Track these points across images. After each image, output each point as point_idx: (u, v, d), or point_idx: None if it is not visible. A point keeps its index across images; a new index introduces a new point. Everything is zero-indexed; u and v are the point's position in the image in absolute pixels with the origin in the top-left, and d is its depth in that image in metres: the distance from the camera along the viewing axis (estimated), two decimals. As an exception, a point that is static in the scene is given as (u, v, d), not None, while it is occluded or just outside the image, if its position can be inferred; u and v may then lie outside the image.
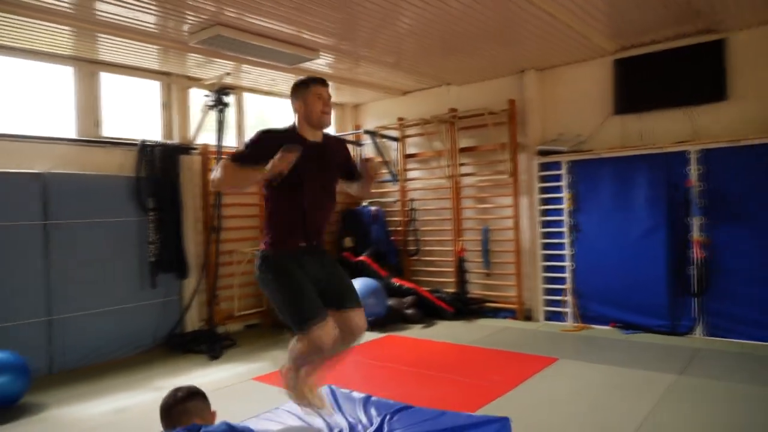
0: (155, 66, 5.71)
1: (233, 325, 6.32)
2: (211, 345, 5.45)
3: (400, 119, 7.35)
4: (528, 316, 6.42)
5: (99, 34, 4.70)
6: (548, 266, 6.33)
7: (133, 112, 5.87)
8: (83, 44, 4.97)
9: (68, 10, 4.24)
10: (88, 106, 5.40)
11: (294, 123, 2.97)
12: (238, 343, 5.78)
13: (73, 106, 5.31)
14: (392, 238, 7.42)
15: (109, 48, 5.08)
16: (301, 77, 3.01)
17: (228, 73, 5.67)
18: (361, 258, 6.98)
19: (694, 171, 5.40)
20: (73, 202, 5.04)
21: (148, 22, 4.54)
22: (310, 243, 2.94)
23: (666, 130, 5.69)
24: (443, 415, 3.45)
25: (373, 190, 3.50)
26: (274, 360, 5.02)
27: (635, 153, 5.71)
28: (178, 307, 5.83)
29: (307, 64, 5.73)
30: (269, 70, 5.96)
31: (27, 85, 5.13)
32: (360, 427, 3.36)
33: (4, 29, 4.47)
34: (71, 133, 5.28)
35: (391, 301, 6.53)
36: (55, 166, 5.00)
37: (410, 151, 7.41)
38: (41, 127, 5.12)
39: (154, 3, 4.15)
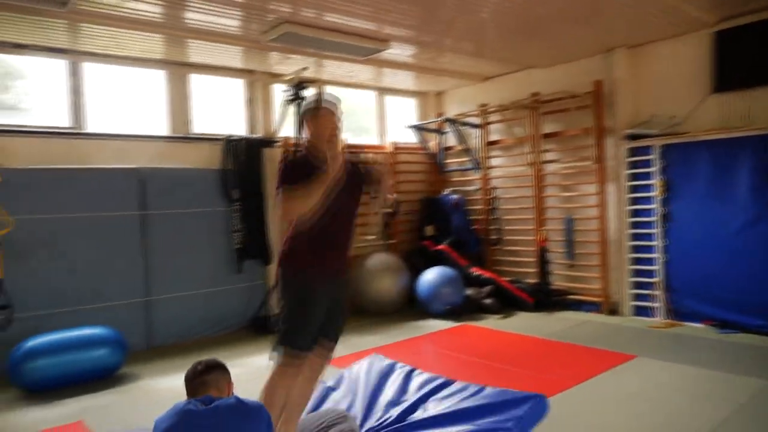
0: (239, 65, 6.05)
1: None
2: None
3: (482, 105, 7.20)
4: (614, 310, 6.08)
5: (187, 40, 5.08)
6: (637, 258, 5.94)
7: (221, 109, 6.26)
8: (173, 49, 5.38)
9: (159, 20, 4.62)
10: (179, 105, 5.84)
11: (307, 145, 2.91)
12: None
13: (166, 105, 5.77)
14: (474, 227, 7.32)
15: (197, 50, 5.46)
16: (312, 103, 2.90)
17: (305, 68, 5.87)
18: (441, 247, 6.96)
19: (805, 154, 4.82)
20: (165, 194, 5.50)
21: (231, 25, 4.83)
22: (338, 266, 2.93)
23: (772, 108, 5.11)
24: (482, 390, 3.57)
25: (389, 196, 3.29)
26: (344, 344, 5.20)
27: (736, 135, 5.18)
28: (263, 291, 6.18)
29: (388, 55, 5.81)
30: (346, 63, 6.10)
31: (124, 89, 5.65)
32: (403, 397, 3.59)
33: (103, 39, 4.95)
34: (164, 131, 5.75)
35: (469, 291, 6.47)
36: (149, 161, 5.49)
37: (492, 138, 7.24)
38: (137, 126, 5.62)
39: (236, 7, 4.42)
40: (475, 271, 6.74)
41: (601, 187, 6.12)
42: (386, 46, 5.44)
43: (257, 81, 6.27)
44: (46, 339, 4.31)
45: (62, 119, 5.26)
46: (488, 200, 7.19)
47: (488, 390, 3.57)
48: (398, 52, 5.81)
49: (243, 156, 6.01)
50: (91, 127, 5.36)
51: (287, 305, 2.84)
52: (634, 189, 5.93)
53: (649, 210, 5.79)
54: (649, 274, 5.79)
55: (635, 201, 5.93)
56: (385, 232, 6.80)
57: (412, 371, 4.01)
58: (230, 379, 2.24)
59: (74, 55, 5.22)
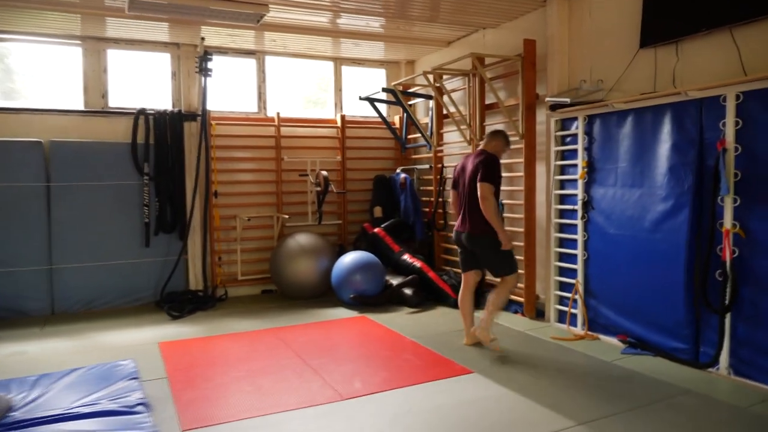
0: (165, 38, 6.01)
1: (244, 289, 6.45)
2: (193, 305, 5.70)
3: (429, 73, 6.23)
4: (541, 313, 5.13)
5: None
6: (562, 253, 4.93)
7: (149, 84, 6.27)
8: (90, 26, 5.48)
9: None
10: (95, 79, 5.95)
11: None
12: (228, 307, 5.89)
13: (80, 80, 5.91)
14: (426, 209, 6.61)
15: (113, 26, 5.51)
16: (508, 138, 4.37)
17: (203, 38, 5.66)
18: (375, 230, 6.40)
19: (730, 126, 3.56)
20: (74, 167, 5.66)
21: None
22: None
23: (707, 66, 3.85)
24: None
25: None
26: (209, 326, 5.05)
27: (656, 103, 4.01)
28: (183, 266, 6.17)
29: (344, 25, 5.71)
30: (304, 35, 5.94)
31: (42, 64, 5.87)
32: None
33: (21, 18, 5.17)
34: (79, 105, 5.90)
35: (394, 280, 5.89)
36: (58, 135, 5.68)
37: (448, 110, 6.43)
38: (49, 101, 5.82)
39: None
40: (409, 259, 6.09)
41: (529, 168, 5.15)
42: (266, 10, 5.01)
43: (181, 54, 6.19)
44: None
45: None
46: (438, 180, 6.44)
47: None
48: (347, 21, 5.57)
49: (162, 129, 5.99)
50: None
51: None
52: (563, 170, 4.91)
53: (574, 196, 4.75)
54: (573, 273, 4.78)
55: (563, 184, 4.91)
56: (319, 212, 6.39)
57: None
58: None
59: (-10, 34, 5.55)
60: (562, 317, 4.91)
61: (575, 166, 4.73)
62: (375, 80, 7.29)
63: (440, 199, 6.32)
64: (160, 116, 5.99)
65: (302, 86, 7.00)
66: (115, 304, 5.86)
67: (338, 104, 7.06)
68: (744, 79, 3.42)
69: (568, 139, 4.83)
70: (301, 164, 6.58)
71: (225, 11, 4.89)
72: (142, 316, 5.54)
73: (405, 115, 6.81)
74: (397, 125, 7.12)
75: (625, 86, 4.41)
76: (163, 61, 6.24)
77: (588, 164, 4.58)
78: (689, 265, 3.81)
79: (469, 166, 4.24)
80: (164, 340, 4.69)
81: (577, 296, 4.70)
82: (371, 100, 6.61)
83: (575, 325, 4.74)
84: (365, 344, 4.50)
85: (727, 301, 3.58)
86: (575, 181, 4.72)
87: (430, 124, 6.53)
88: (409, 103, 6.89)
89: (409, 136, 7.00)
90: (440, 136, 6.44)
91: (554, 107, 4.74)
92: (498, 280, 4.36)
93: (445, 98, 6.26)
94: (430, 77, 5.71)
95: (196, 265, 6.17)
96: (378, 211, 6.73)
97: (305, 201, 6.62)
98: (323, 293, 6.13)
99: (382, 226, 6.43)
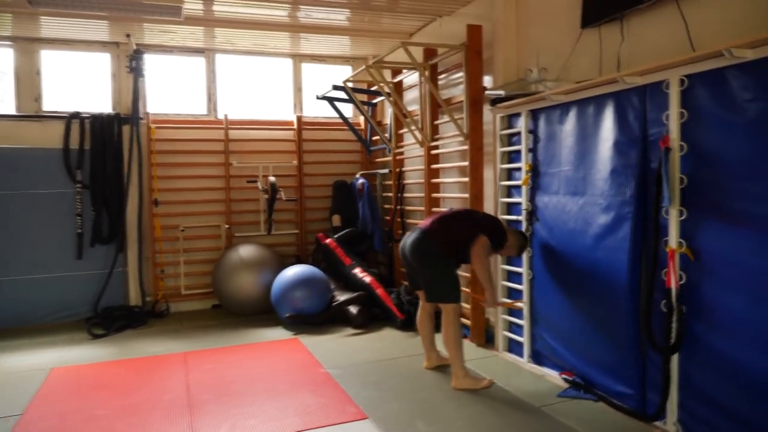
0: (106, 38, 5.65)
1: (191, 304, 6.01)
2: (123, 322, 5.31)
3: (371, 67, 5.09)
4: (491, 339, 4.45)
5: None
6: (510, 271, 4.24)
7: (89, 86, 5.92)
8: (22, 25, 5.16)
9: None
10: (28, 82, 5.62)
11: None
12: (163, 324, 5.46)
13: (12, 83, 5.60)
14: (387, 217, 6.00)
15: (47, 25, 5.18)
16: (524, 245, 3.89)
17: (128, 35, 5.24)
18: (327, 241, 5.83)
19: (674, 119, 2.83)
20: (1, 174, 5.34)
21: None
22: None
23: (655, 46, 3.12)
24: None
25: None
26: (127, 348, 4.61)
27: (597, 93, 3.30)
28: (123, 280, 5.78)
29: (304, 19, 5.26)
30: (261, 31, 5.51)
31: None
32: None
33: None
34: (10, 109, 5.59)
35: (343, 296, 5.32)
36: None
37: (410, 108, 5.80)
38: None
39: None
40: (358, 273, 5.51)
41: (476, 172, 4.47)
42: (181, 2, 4.54)
43: (121, 54, 5.80)
44: None
45: None
46: (397, 186, 5.81)
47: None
48: (306, 14, 5.11)
49: (98, 134, 5.62)
50: None
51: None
52: (510, 174, 4.22)
53: (520, 204, 4.06)
54: (520, 295, 4.09)
55: (510, 191, 4.22)
56: (269, 221, 5.87)
57: None
58: None
59: None
60: (512, 346, 4.22)
61: (519, 170, 4.05)
62: (342, 78, 6.72)
63: (399, 207, 5.71)
64: (96, 120, 5.61)
65: (258, 86, 6.50)
66: (48, 320, 5.50)
67: (298, 105, 6.54)
68: (686, 59, 2.68)
69: (514, 139, 4.14)
70: (253, 169, 6.09)
71: (137, 3, 4.46)
72: (65, 334, 5.14)
73: (369, 114, 6.23)
74: (362, 126, 6.54)
75: (573, 74, 3.70)
76: (103, 61, 5.87)
77: (532, 168, 3.89)
78: (633, 292, 3.09)
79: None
80: (64, 364, 4.27)
81: (522, 322, 4.01)
82: (330, 99, 6.06)
83: (522, 356, 4.05)
84: (272, 376, 3.94)
85: (672, 339, 2.85)
86: (519, 187, 4.03)
87: (389, 125, 5.93)
88: (374, 101, 6.30)
89: (375, 138, 6.41)
90: (399, 137, 5.82)
91: (495, 102, 4.07)
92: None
93: (408, 96, 5.68)
94: (386, 74, 5.10)
95: (136, 279, 5.77)
96: (336, 220, 6.16)
97: (257, 209, 6.13)
98: (269, 310, 5.61)
99: (335, 236, 5.86)
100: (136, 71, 5.38)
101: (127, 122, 5.71)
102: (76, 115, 5.56)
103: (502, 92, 3.88)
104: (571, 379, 3.52)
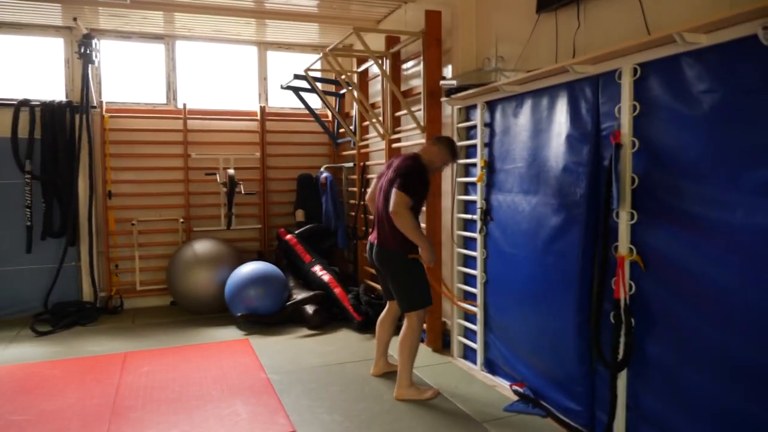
0: (59, 22, 5.37)
1: (148, 300, 5.76)
2: (72, 318, 5.08)
3: (328, 56, 4.94)
4: (447, 344, 4.21)
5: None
6: (465, 273, 4.00)
7: (43, 72, 5.65)
8: None
9: None
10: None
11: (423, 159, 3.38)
12: (115, 321, 5.23)
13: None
14: (351, 213, 5.75)
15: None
16: (455, 148, 3.46)
17: (75, 18, 4.97)
18: (287, 237, 5.59)
19: (626, 112, 2.57)
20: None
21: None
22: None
23: (611, 31, 2.86)
24: None
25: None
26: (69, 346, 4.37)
27: (548, 84, 3.04)
28: (73, 273, 5.54)
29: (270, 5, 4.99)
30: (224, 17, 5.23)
31: None
32: None
33: None
34: (-45, 96, 5.34)
35: (301, 295, 5.08)
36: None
37: (373, 100, 5.55)
38: None
39: None
40: (317, 271, 5.26)
41: (434, 167, 4.21)
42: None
43: (74, 39, 5.52)
44: None
45: None
46: (361, 181, 5.56)
47: None
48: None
49: (49, 123, 5.36)
50: None
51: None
52: (467, 170, 3.96)
53: (475, 203, 3.81)
54: (474, 298, 3.84)
55: (467, 188, 3.97)
56: (229, 215, 5.62)
57: None
58: None
59: None
60: (467, 352, 3.98)
61: (475, 165, 3.79)
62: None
63: (362, 202, 5.45)
64: (47, 108, 5.35)
65: (222, 75, 6.23)
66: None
67: (263, 94, 6.26)
68: (638, 44, 2.41)
69: (472, 132, 3.88)
70: (213, 161, 5.84)
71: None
72: (13, 331, 4.92)
73: (336, 106, 5.95)
74: (330, 118, 6.27)
75: (531, 63, 3.43)
76: (56, 47, 5.60)
77: (487, 164, 3.64)
78: (582, 301, 2.84)
79: (392, 167, 3.40)
80: (-2, 364, 4.05)
81: (476, 327, 3.77)
82: (296, 89, 5.80)
83: (476, 364, 3.81)
84: (208, 381, 3.70)
85: (620, 355, 2.61)
86: (475, 184, 3.78)
87: (354, 116, 5.66)
88: (341, 92, 6.03)
89: (342, 130, 6.14)
90: (364, 129, 5.56)
91: (449, 93, 3.80)
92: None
93: (375, 86, 5.41)
94: (353, 63, 4.84)
95: (88, 274, 5.53)
96: (300, 215, 5.92)
97: (218, 203, 5.87)
98: (226, 308, 5.36)
99: (296, 232, 5.61)
100: (86, 57, 5.11)
101: (80, 111, 5.44)
102: (25, 103, 5.29)
103: (454, 82, 3.61)
104: (521, 391, 3.28)
